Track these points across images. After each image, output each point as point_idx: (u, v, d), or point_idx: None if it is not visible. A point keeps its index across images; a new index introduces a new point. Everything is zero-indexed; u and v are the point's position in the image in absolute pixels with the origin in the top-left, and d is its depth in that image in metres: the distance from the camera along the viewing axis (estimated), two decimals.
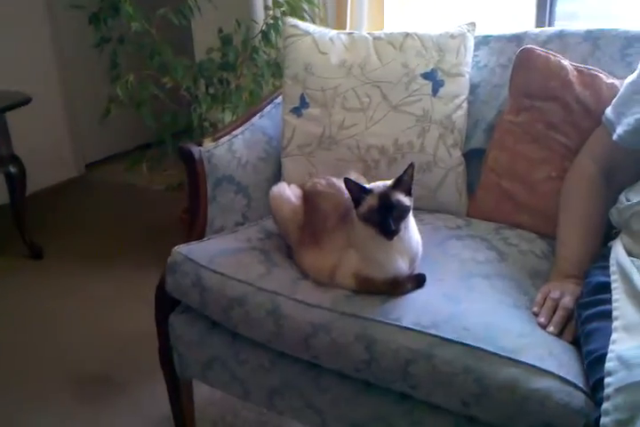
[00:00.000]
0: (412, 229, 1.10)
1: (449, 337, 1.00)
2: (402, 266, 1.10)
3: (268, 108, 1.58)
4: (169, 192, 2.57)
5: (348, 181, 1.07)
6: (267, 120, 1.56)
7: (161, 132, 2.31)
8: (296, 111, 1.48)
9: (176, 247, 1.28)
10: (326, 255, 1.14)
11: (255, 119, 1.53)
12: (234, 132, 1.47)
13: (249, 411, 1.63)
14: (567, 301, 1.09)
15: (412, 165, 1.06)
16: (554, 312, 1.08)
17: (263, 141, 1.53)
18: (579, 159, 1.32)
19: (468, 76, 1.49)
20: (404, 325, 1.04)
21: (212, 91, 2.27)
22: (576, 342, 1.03)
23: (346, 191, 1.18)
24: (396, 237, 1.05)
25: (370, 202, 1.05)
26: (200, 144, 1.39)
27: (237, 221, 1.46)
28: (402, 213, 1.05)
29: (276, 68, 2.14)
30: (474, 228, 1.39)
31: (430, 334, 1.01)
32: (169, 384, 1.43)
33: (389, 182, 1.07)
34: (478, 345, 0.99)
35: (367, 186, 1.08)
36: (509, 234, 1.36)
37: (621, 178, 1.25)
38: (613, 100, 1.26)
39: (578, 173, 1.30)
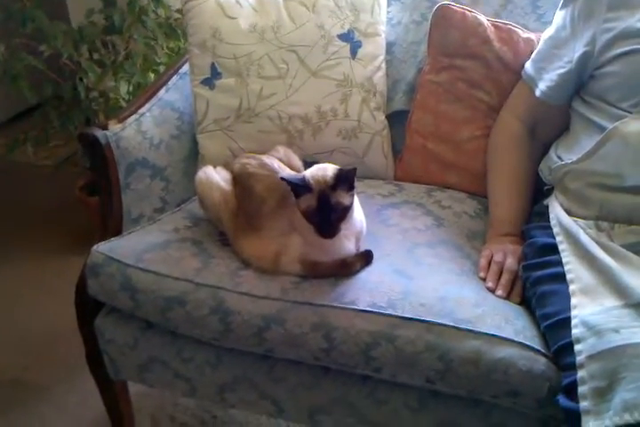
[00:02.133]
0: (354, 209, 1.05)
1: (407, 315, 0.98)
2: (348, 246, 1.06)
3: (174, 79, 1.44)
4: (58, 167, 2.35)
5: (284, 179, 1.00)
6: (174, 93, 1.42)
7: (43, 104, 2.09)
8: (208, 82, 1.36)
9: (95, 247, 1.16)
10: (268, 241, 1.07)
11: (161, 93, 1.39)
12: (140, 111, 1.33)
13: (188, 398, 1.56)
14: (510, 263, 1.10)
15: (354, 169, 1.00)
16: (500, 275, 1.09)
17: (174, 118, 1.39)
18: (501, 117, 1.32)
19: (384, 35, 1.42)
20: (361, 308, 1.00)
21: (96, 57, 2.06)
22: (524, 303, 1.05)
23: (279, 171, 1.11)
24: None
25: (308, 201, 0.99)
26: (104, 127, 1.25)
27: (156, 206, 1.34)
28: (342, 214, 1.00)
29: (169, 29, 1.96)
30: (406, 193, 1.36)
31: (389, 315, 0.99)
32: (100, 386, 1.32)
33: (330, 175, 1.00)
34: (437, 320, 0.98)
35: (307, 177, 1.00)
36: (441, 196, 1.35)
37: (546, 131, 1.27)
38: (532, 56, 1.26)
39: (502, 130, 1.31)
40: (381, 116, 1.42)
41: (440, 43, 1.38)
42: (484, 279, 1.09)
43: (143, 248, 1.15)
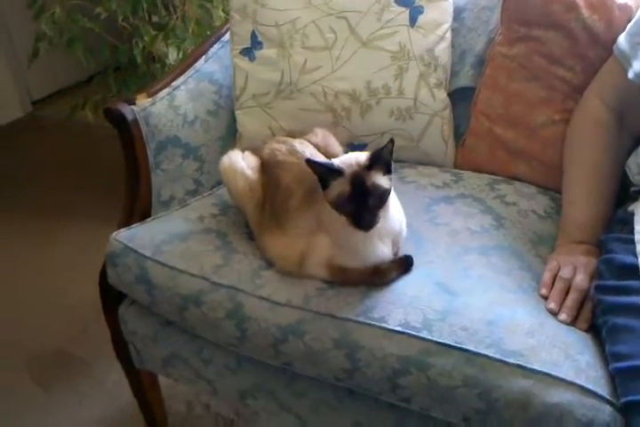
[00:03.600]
0: (392, 205, 0.90)
1: (444, 341, 0.84)
2: (384, 251, 0.92)
3: (215, 48, 1.31)
4: None
5: (310, 163, 0.85)
6: (213, 64, 1.29)
7: (101, 69, 2.03)
8: (247, 53, 1.22)
9: (114, 234, 1.07)
10: (292, 240, 0.95)
11: (199, 64, 1.27)
12: (174, 83, 1.21)
13: None
14: (580, 280, 0.93)
15: (391, 141, 0.84)
16: (565, 294, 0.92)
17: (211, 91, 1.27)
18: (586, 99, 1.12)
19: None
20: (391, 327, 0.86)
21: (155, 19, 1.96)
22: (592, 330, 0.88)
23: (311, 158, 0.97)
24: None
25: (340, 187, 0.84)
26: (132, 102, 1.15)
27: (189, 188, 1.24)
28: (380, 199, 0.85)
29: None
30: (465, 184, 1.19)
31: (422, 338, 0.85)
32: (128, 374, 1.27)
33: (363, 158, 0.86)
34: (480, 350, 0.83)
35: (336, 163, 0.87)
36: (506, 190, 1.17)
37: (637, 121, 1.06)
38: (627, 27, 1.05)
39: (585, 116, 1.11)
40: (442, 95, 1.24)
41: (516, 9, 1.18)
42: (545, 298, 0.92)
43: (163, 238, 1.05)
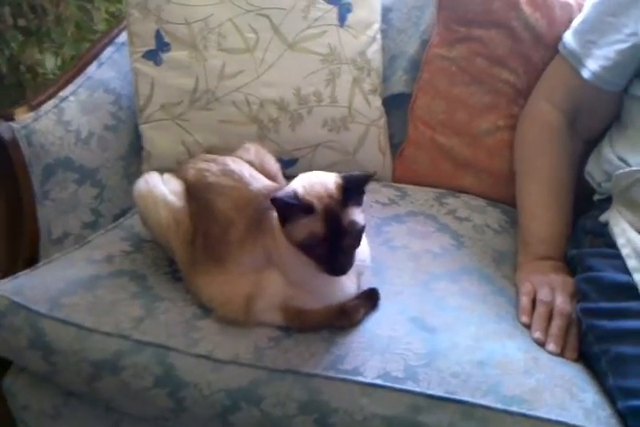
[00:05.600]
0: None
1: (435, 393, 0.70)
2: (349, 287, 0.77)
3: (109, 51, 1.11)
4: None
5: (276, 202, 0.68)
6: (109, 70, 1.09)
7: None
8: (152, 56, 1.03)
9: None
10: (236, 280, 0.77)
11: (91, 70, 1.06)
12: (61, 93, 1.00)
13: None
14: (562, 303, 0.83)
15: (368, 177, 0.72)
16: (548, 320, 0.82)
17: (108, 102, 1.07)
18: (533, 103, 1.05)
19: None
20: (369, 380, 0.71)
21: (22, 23, 1.70)
22: (580, 358, 0.78)
23: (251, 181, 0.81)
24: None
25: (311, 226, 0.69)
26: (10, 117, 0.92)
27: (86, 221, 1.02)
28: (356, 239, 0.72)
29: None
30: (411, 200, 1.08)
31: (408, 391, 0.70)
32: None
33: (332, 186, 0.70)
34: (478, 401, 0.69)
35: (301, 193, 0.70)
36: (455, 204, 1.07)
37: (589, 124, 1.01)
38: (574, 26, 0.99)
39: (535, 122, 1.03)
40: (377, 102, 1.12)
41: (454, 7, 1.08)
42: (527, 326, 0.81)
43: (63, 288, 0.83)
